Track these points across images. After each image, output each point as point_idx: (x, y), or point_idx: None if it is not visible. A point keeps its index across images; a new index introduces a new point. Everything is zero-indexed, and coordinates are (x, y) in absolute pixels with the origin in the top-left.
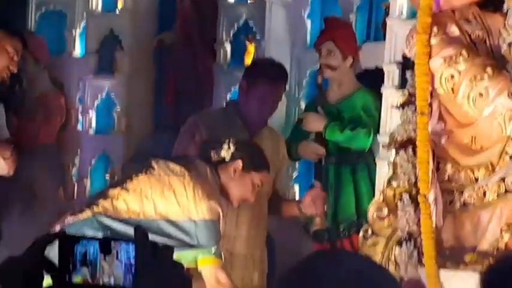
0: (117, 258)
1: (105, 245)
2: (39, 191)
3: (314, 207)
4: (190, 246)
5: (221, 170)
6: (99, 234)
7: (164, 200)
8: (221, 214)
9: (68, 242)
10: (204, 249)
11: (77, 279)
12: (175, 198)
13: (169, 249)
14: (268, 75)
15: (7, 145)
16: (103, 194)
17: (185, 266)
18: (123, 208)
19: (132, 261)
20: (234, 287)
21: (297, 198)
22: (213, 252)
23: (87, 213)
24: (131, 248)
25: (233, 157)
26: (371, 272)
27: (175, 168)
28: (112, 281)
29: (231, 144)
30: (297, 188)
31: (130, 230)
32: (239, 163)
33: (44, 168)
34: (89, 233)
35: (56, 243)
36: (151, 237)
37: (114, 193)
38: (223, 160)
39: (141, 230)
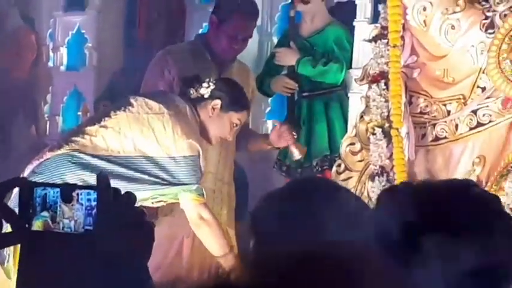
0: (77, 202)
1: (66, 191)
2: (11, 127)
3: (282, 140)
4: (171, 183)
5: (200, 107)
6: (77, 171)
7: (143, 137)
8: (200, 152)
9: (28, 188)
10: (184, 186)
11: (37, 224)
12: (155, 136)
13: (131, 196)
14: (238, 10)
15: None
16: (81, 131)
17: (167, 202)
18: (101, 145)
19: (93, 204)
20: (217, 223)
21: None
22: (194, 189)
23: (65, 149)
24: (92, 193)
25: (212, 95)
26: (343, 196)
27: (154, 106)
28: (72, 225)
29: (210, 83)
30: (269, 123)
31: (109, 166)
32: (218, 102)
33: (16, 105)
34: (66, 168)
35: (16, 190)
36: (133, 173)
37: (92, 130)
38: (202, 97)
39: (103, 176)
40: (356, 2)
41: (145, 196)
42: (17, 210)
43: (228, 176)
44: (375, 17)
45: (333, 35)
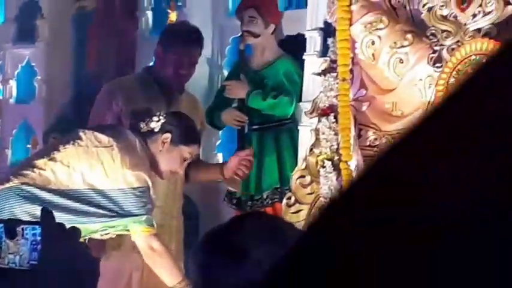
0: (23, 237)
1: (10, 227)
2: None
3: (239, 168)
4: (119, 215)
5: (150, 141)
6: (26, 205)
7: (92, 171)
8: (150, 183)
9: None
10: (134, 217)
11: None
12: (104, 169)
13: (76, 231)
14: (182, 38)
15: None
16: (29, 164)
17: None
18: (50, 178)
19: (39, 239)
20: (169, 253)
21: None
22: (143, 219)
23: (13, 182)
24: (37, 228)
25: (163, 129)
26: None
27: (104, 139)
28: (17, 260)
29: (161, 116)
30: (220, 156)
31: (58, 199)
32: (168, 136)
33: None
34: (15, 202)
35: None
36: (81, 206)
37: (41, 163)
38: (152, 131)
39: (47, 211)
40: (306, 36)
41: (94, 228)
42: None
43: (176, 209)
44: (324, 51)
45: (283, 68)
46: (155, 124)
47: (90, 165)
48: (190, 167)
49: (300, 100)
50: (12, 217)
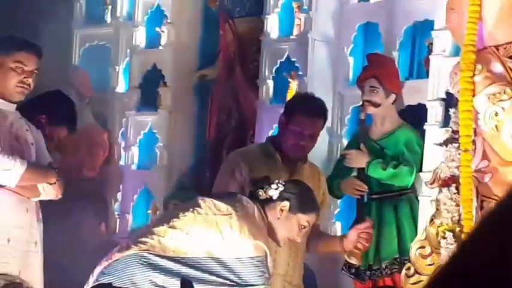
0: None
1: None
2: (82, 225)
3: (359, 242)
4: (238, 284)
5: (268, 209)
6: (146, 272)
7: (211, 239)
8: (268, 252)
9: None
10: (252, 287)
11: None
12: (222, 237)
13: None
14: (306, 108)
15: (51, 170)
16: (149, 231)
17: None
18: (169, 246)
19: None
20: None
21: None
22: None
23: (134, 249)
24: None
25: (281, 197)
26: None
27: (222, 208)
28: None
29: (279, 184)
30: (338, 225)
31: (177, 267)
32: (286, 204)
33: (87, 202)
34: (135, 269)
35: None
36: (201, 275)
37: (161, 231)
38: (270, 199)
39: (187, 282)
40: (427, 106)
41: None
42: None
43: (297, 278)
44: (446, 121)
45: (403, 138)
46: (273, 192)
47: (209, 233)
48: (311, 237)
49: (420, 170)
50: (132, 286)
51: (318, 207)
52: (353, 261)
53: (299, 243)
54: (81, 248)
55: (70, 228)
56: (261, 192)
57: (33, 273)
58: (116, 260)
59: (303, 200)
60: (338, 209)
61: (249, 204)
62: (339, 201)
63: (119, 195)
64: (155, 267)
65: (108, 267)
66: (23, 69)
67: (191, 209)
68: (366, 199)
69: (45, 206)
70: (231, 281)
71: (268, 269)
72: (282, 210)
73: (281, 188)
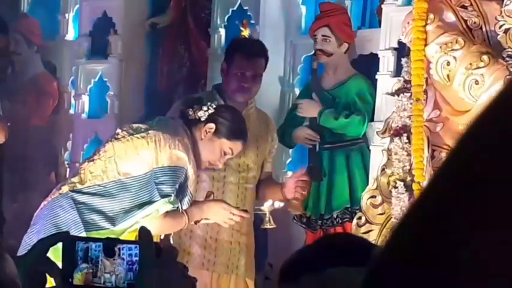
0: (119, 256)
1: (108, 246)
2: (31, 174)
3: (296, 190)
4: (147, 203)
5: (195, 129)
6: (71, 211)
7: (127, 158)
8: (187, 162)
9: (71, 242)
10: (163, 200)
11: (77, 276)
12: (137, 153)
13: (172, 250)
14: (244, 50)
15: None
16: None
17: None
18: (87, 177)
19: (135, 259)
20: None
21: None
22: (171, 201)
23: (58, 192)
24: (134, 247)
25: (209, 119)
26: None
27: (139, 127)
28: (113, 279)
29: (210, 107)
30: (290, 174)
31: (94, 199)
32: (212, 126)
33: (36, 151)
34: (62, 211)
35: (59, 244)
36: (113, 200)
37: (82, 167)
38: (199, 120)
39: (145, 231)
40: (379, 55)
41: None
42: (59, 264)
43: (246, 226)
44: (398, 71)
45: (355, 87)
46: (203, 113)
47: (125, 154)
48: (260, 185)
49: (372, 120)
50: (55, 229)
51: (245, 137)
52: (293, 210)
53: (248, 191)
54: (31, 198)
55: (19, 177)
56: (190, 111)
57: None
58: (45, 205)
59: (231, 126)
60: (290, 159)
61: (172, 120)
62: (290, 150)
63: (69, 144)
64: (79, 203)
65: (37, 215)
66: None
67: (110, 139)
68: (317, 148)
69: None
70: (146, 198)
71: (181, 178)
72: (206, 132)
73: (211, 111)
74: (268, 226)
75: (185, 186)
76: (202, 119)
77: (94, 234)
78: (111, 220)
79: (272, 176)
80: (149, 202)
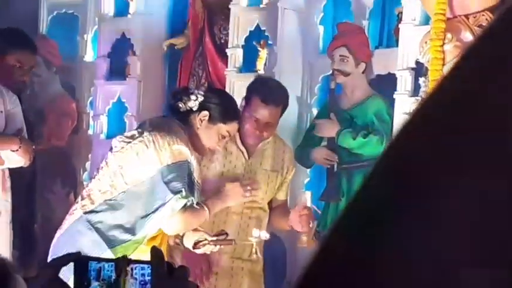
0: (131, 276)
1: (121, 266)
2: (50, 195)
3: (300, 224)
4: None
5: (190, 119)
6: (90, 233)
7: (131, 166)
8: (189, 154)
9: (83, 262)
10: (175, 196)
11: None
12: (140, 159)
13: (184, 269)
14: (263, 94)
15: (13, 137)
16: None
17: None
18: (97, 196)
19: (147, 279)
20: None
21: (308, 204)
22: (183, 195)
23: (72, 218)
24: (146, 267)
25: (201, 107)
26: None
27: (133, 134)
28: None
29: (199, 94)
30: (308, 194)
31: (108, 215)
32: (206, 113)
33: (54, 171)
34: (80, 236)
35: (71, 264)
36: (122, 212)
37: (89, 188)
38: (191, 110)
39: (157, 250)
40: (396, 75)
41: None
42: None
43: (248, 252)
44: (416, 90)
45: (373, 107)
46: (193, 103)
47: (127, 163)
48: (272, 212)
49: (390, 139)
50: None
51: (238, 116)
52: (301, 245)
53: (250, 220)
54: (50, 218)
55: (39, 199)
56: (181, 104)
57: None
58: (65, 230)
59: (223, 109)
60: (308, 179)
61: (163, 117)
62: (308, 170)
63: (88, 165)
64: (94, 224)
65: (54, 245)
66: None
67: (109, 153)
68: (335, 169)
69: (14, 176)
70: (156, 201)
71: (188, 172)
72: (201, 120)
73: (201, 99)
74: (253, 257)
75: (192, 178)
76: (195, 109)
77: (119, 249)
78: (131, 231)
79: (286, 204)
80: (162, 203)
